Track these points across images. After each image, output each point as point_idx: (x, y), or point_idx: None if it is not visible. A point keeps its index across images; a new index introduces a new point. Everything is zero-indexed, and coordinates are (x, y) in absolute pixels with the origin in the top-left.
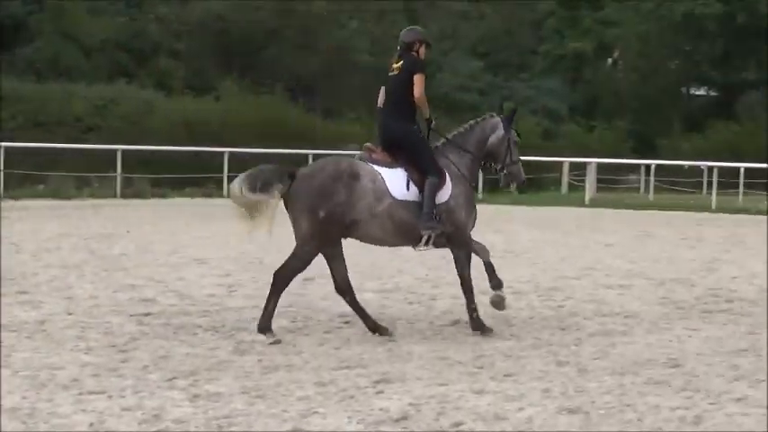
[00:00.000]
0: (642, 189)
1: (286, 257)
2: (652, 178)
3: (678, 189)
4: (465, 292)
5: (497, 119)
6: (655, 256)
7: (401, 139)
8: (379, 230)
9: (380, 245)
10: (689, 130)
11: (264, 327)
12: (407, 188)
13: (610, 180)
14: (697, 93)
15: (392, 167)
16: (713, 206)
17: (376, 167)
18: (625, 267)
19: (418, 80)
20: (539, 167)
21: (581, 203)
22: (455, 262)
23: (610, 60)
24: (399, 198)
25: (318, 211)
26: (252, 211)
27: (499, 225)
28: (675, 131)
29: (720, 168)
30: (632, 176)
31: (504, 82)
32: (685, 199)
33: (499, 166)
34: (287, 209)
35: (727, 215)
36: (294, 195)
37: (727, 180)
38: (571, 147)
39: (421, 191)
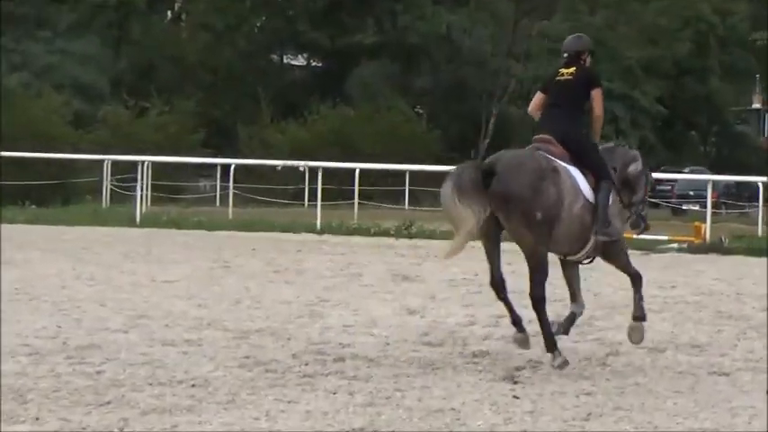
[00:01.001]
0: (218, 201)
1: None
2: (231, 185)
3: (269, 200)
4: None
5: (636, 151)
6: (235, 297)
7: (577, 143)
8: (565, 232)
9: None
10: (283, 116)
11: (551, 345)
12: (589, 190)
13: (171, 188)
14: (294, 62)
15: (572, 165)
16: (318, 225)
17: (562, 163)
18: (192, 314)
19: (599, 96)
20: (67, 169)
21: (130, 222)
22: (634, 279)
23: (170, 14)
24: (590, 200)
25: (536, 212)
26: (458, 222)
27: (9, 253)
28: (264, 117)
29: (329, 170)
30: (204, 182)
31: (16, 44)
32: (282, 214)
33: (634, 199)
34: (492, 208)
35: (336, 237)
36: (504, 197)
37: (340, 187)
38: (115, 138)
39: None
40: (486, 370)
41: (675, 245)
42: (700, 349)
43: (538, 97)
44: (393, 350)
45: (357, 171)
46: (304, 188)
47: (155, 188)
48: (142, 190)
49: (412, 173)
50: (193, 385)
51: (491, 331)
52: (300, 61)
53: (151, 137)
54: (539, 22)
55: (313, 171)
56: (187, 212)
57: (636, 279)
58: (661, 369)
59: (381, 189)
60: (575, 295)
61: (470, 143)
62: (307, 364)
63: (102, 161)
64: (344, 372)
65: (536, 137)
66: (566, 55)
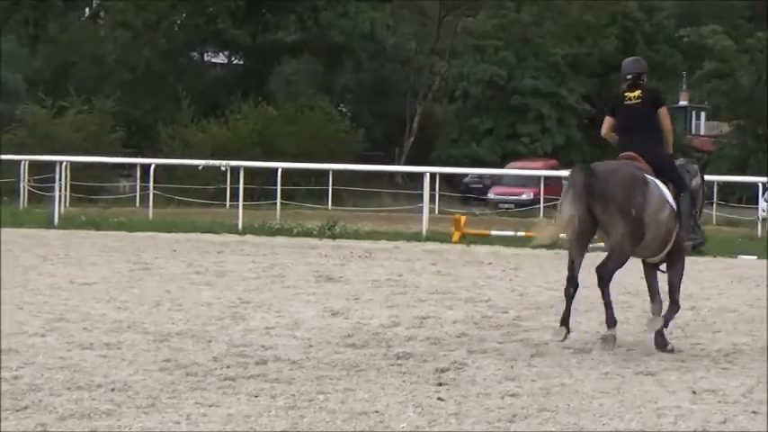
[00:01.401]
0: (138, 201)
1: None
2: (152, 185)
3: (190, 200)
4: (671, 312)
5: (696, 166)
6: (155, 299)
7: (659, 159)
8: (653, 236)
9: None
10: (204, 115)
11: (611, 321)
12: (672, 200)
13: (91, 188)
14: (215, 60)
15: (657, 178)
16: (240, 225)
17: (648, 175)
18: (112, 317)
19: (665, 113)
20: None
21: (48, 223)
22: (671, 284)
23: (88, 11)
24: (674, 208)
25: (631, 210)
26: (561, 215)
27: None
28: (185, 116)
29: (250, 169)
30: (123, 182)
31: None
32: (203, 214)
33: (694, 210)
34: (592, 203)
35: (258, 238)
36: (603, 195)
37: (262, 187)
38: (33, 138)
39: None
40: (410, 372)
41: (602, 244)
42: (626, 349)
43: (608, 121)
44: (316, 352)
45: (279, 171)
46: (225, 188)
47: (73, 189)
48: (60, 191)
49: (335, 172)
50: (113, 389)
51: (415, 332)
52: (222, 59)
53: (69, 136)
54: (463, 18)
55: (235, 171)
56: (107, 213)
57: (672, 304)
58: (587, 370)
59: (304, 189)
60: (654, 296)
61: (395, 142)
62: (228, 367)
63: (19, 162)
64: (266, 374)
65: (622, 154)
66: (629, 77)
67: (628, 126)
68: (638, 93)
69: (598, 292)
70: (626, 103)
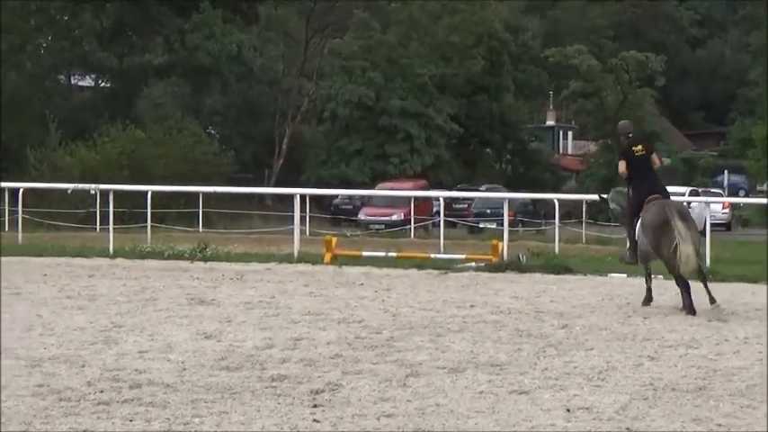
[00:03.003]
0: (7, 225)
1: None
2: (20, 209)
3: (60, 224)
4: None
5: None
6: (26, 324)
7: (667, 193)
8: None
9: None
10: (72, 138)
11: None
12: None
13: None
14: (82, 83)
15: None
16: (111, 249)
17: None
18: None
19: (657, 155)
20: None
21: None
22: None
23: None
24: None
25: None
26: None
27: None
28: (52, 140)
29: (120, 193)
30: None
31: None
32: (73, 238)
33: None
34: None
35: (130, 261)
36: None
37: (132, 210)
38: None
39: None
40: (285, 394)
41: (473, 264)
42: (500, 368)
43: (622, 164)
44: (190, 375)
45: (149, 193)
46: (95, 212)
47: None
48: None
49: (205, 195)
50: None
51: (289, 354)
52: (89, 82)
53: None
54: (331, 39)
55: (104, 194)
56: None
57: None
58: (461, 389)
59: (174, 212)
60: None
61: (264, 163)
62: (102, 392)
63: None
64: (141, 398)
65: (652, 196)
66: (630, 135)
67: (642, 173)
68: (640, 147)
69: (471, 312)
70: (636, 155)
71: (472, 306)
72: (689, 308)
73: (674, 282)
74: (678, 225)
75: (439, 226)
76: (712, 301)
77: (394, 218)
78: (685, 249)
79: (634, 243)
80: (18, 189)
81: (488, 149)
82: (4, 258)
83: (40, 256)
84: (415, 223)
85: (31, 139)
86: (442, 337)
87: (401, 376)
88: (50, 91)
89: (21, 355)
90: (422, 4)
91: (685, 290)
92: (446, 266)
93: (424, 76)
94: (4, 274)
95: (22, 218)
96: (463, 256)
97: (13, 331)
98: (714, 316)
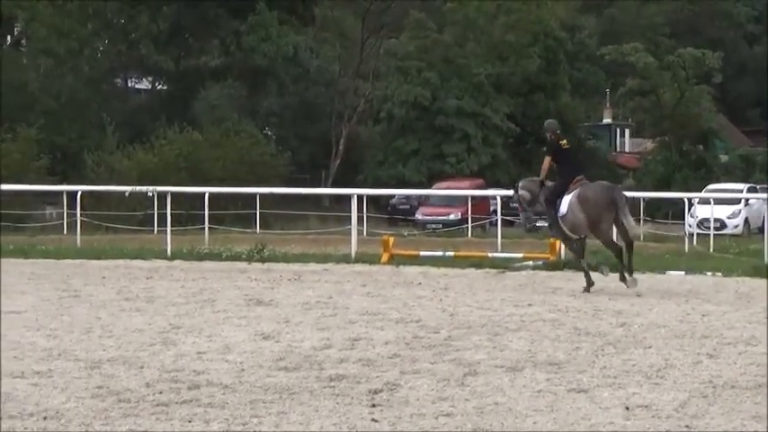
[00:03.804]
0: (66, 228)
1: None
2: (79, 212)
3: (118, 227)
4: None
5: None
6: (86, 326)
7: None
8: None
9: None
10: (130, 141)
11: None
12: None
13: (16, 216)
14: (139, 86)
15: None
16: (169, 251)
17: None
18: (42, 345)
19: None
20: None
21: None
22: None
23: (9, 39)
24: None
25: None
26: None
27: None
28: (110, 143)
29: (177, 195)
30: (50, 210)
31: None
32: (131, 241)
33: None
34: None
35: (187, 263)
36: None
37: (189, 212)
38: None
39: None
40: (343, 394)
41: (530, 262)
42: (558, 367)
43: (548, 159)
44: (248, 376)
45: (207, 195)
46: (153, 214)
47: (2, 217)
48: None
49: (262, 196)
50: (45, 417)
51: (347, 354)
52: (145, 85)
53: None
54: (386, 40)
55: (162, 196)
56: (34, 241)
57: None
58: (520, 388)
59: (232, 213)
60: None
61: (321, 164)
62: (161, 393)
63: None
64: (199, 399)
65: (578, 177)
66: (558, 132)
67: (568, 161)
68: (566, 140)
69: (529, 311)
70: (563, 147)
71: (530, 305)
72: (620, 272)
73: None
74: (620, 203)
75: (496, 225)
76: (630, 272)
77: (451, 217)
78: (628, 221)
79: (556, 218)
80: (76, 192)
81: (545, 148)
82: (63, 261)
83: (99, 258)
84: (472, 222)
85: (88, 143)
86: (499, 336)
87: (459, 375)
88: (108, 94)
89: (80, 357)
90: (478, 3)
91: (619, 256)
92: (503, 265)
93: (481, 76)
94: (63, 276)
95: (81, 221)
96: (521, 255)
97: (72, 333)
98: (631, 288)
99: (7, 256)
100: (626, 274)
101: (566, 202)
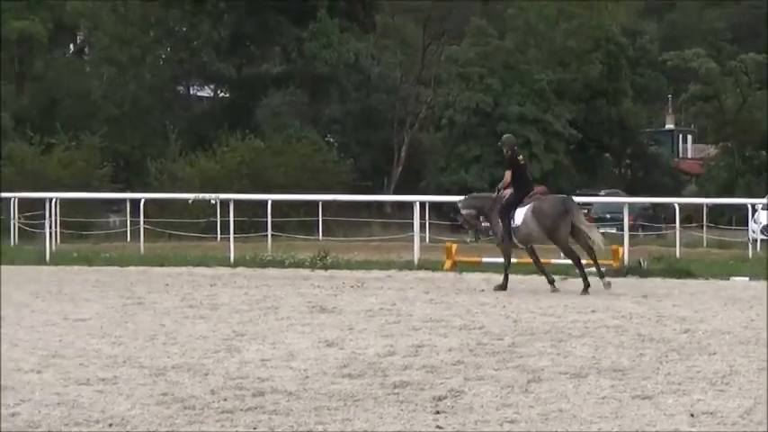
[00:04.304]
0: (129, 236)
1: None
2: (142, 219)
3: (181, 234)
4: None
5: None
6: (150, 333)
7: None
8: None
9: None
10: (192, 149)
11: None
12: None
13: (81, 224)
14: (201, 94)
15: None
16: (232, 258)
17: None
18: (107, 352)
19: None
20: None
21: (40, 260)
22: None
23: (72, 47)
24: None
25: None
26: None
27: None
28: (172, 150)
29: (240, 202)
30: (114, 218)
31: None
32: (194, 248)
33: None
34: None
35: (250, 270)
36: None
37: (252, 219)
38: (21, 176)
39: None
40: (407, 400)
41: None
42: (622, 373)
43: (509, 173)
44: (312, 383)
45: (269, 202)
46: (216, 221)
47: (64, 225)
48: (51, 227)
49: (325, 203)
50: (111, 424)
51: (411, 361)
52: (207, 92)
53: (57, 173)
54: (447, 47)
55: (224, 203)
56: (98, 249)
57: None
58: (584, 395)
59: (294, 220)
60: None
61: (383, 171)
62: (225, 400)
63: (9, 199)
64: (264, 406)
65: (537, 189)
66: (516, 148)
67: (524, 176)
68: (521, 157)
69: (592, 317)
70: (520, 163)
71: (593, 311)
72: (584, 278)
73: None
74: (579, 216)
75: None
76: (602, 276)
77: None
78: (594, 235)
79: (509, 229)
80: (140, 200)
81: (607, 154)
82: (127, 268)
83: (162, 265)
84: None
85: (151, 150)
86: (563, 343)
87: (523, 382)
88: (170, 102)
89: (145, 364)
90: (539, 9)
91: (578, 264)
92: (566, 272)
93: (542, 82)
94: (127, 283)
95: (144, 228)
96: (584, 261)
97: (136, 340)
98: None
99: (72, 264)
100: (594, 280)
101: (520, 215)
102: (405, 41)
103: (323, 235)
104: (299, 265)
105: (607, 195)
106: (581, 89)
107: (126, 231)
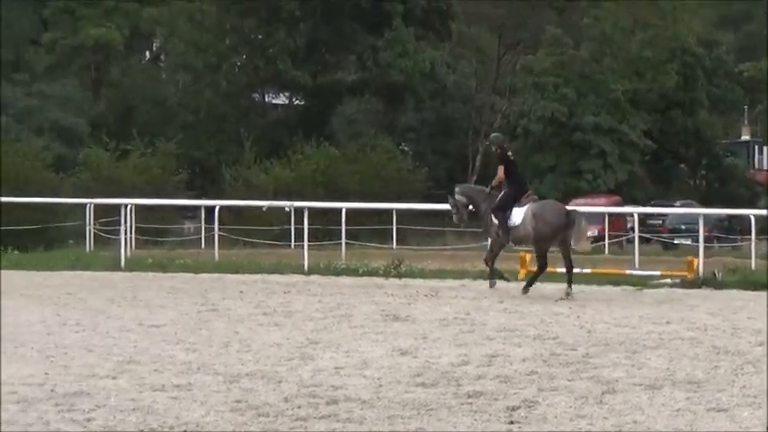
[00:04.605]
0: (204, 243)
1: None
2: (217, 226)
3: (255, 241)
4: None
5: None
6: (224, 340)
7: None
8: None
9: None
10: (267, 156)
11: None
12: None
13: (155, 230)
14: (276, 101)
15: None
16: (306, 266)
17: None
18: (181, 358)
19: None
20: (49, 213)
21: (115, 266)
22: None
23: (148, 54)
24: None
25: None
26: None
27: None
28: (247, 157)
29: (314, 210)
30: (188, 224)
31: None
32: (268, 255)
33: None
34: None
35: (324, 278)
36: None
37: (326, 227)
38: (97, 182)
39: None
40: (481, 410)
41: (668, 280)
42: (697, 385)
43: (502, 169)
44: (386, 391)
45: (344, 210)
46: (290, 229)
47: (138, 231)
48: (126, 233)
49: (399, 211)
50: (185, 431)
51: (484, 371)
52: (282, 100)
53: (133, 179)
54: (523, 56)
55: (299, 211)
56: (173, 255)
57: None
58: (658, 406)
59: (368, 228)
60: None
61: (458, 180)
62: (299, 407)
63: (85, 205)
64: (338, 414)
65: (527, 193)
66: (505, 145)
67: (516, 173)
68: (511, 153)
69: (667, 329)
70: (511, 160)
71: (668, 322)
72: (529, 283)
73: None
74: (571, 227)
75: (633, 242)
76: (569, 285)
77: (588, 234)
78: (583, 246)
79: (506, 227)
80: (214, 206)
81: (682, 165)
82: (201, 275)
83: (237, 272)
84: (609, 239)
85: (226, 157)
86: (638, 354)
87: (597, 393)
88: (245, 109)
89: (219, 371)
90: (615, 19)
91: (540, 272)
92: (641, 282)
93: (618, 92)
94: (201, 290)
95: (219, 235)
96: (658, 273)
97: (211, 347)
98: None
99: (146, 270)
100: (566, 288)
101: (519, 214)
102: (480, 50)
103: (397, 243)
104: (372, 273)
105: (682, 206)
106: (656, 99)
107: (200, 238)
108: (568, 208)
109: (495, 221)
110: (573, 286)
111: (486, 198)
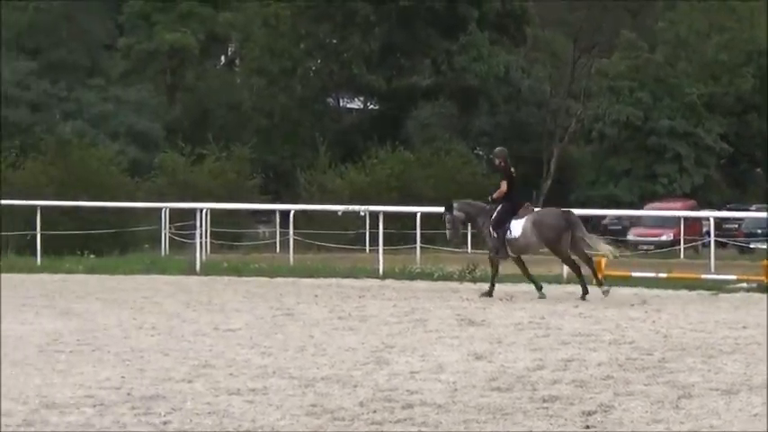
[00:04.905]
0: (278, 247)
1: None
2: (291, 231)
3: (330, 246)
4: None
5: None
6: (299, 344)
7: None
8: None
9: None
10: (341, 160)
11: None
12: None
13: (230, 235)
14: (350, 105)
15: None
16: (381, 270)
17: None
18: (257, 362)
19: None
20: (125, 217)
21: (190, 270)
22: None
23: (223, 59)
24: None
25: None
26: None
27: (69, 303)
28: (322, 162)
29: (389, 214)
30: (263, 228)
31: (68, 91)
32: (343, 259)
33: None
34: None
35: (399, 282)
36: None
37: (401, 231)
38: (172, 186)
39: None
40: (556, 415)
41: (745, 284)
42: None
43: (505, 183)
44: (461, 396)
45: (418, 215)
46: (365, 233)
47: (213, 235)
48: (201, 237)
49: None
50: None
51: (560, 375)
52: (357, 104)
53: (208, 183)
54: (598, 60)
55: (373, 215)
56: (247, 259)
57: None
58: (735, 411)
59: (443, 233)
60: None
61: (532, 184)
62: (375, 412)
63: (160, 209)
64: (413, 419)
65: (526, 204)
66: (508, 159)
67: (516, 187)
68: (512, 168)
69: (743, 333)
70: (513, 174)
71: (744, 327)
72: (583, 287)
73: None
74: (581, 229)
75: (709, 246)
76: (600, 284)
77: (663, 238)
78: (602, 247)
79: (504, 242)
80: (289, 211)
81: (759, 169)
82: (276, 279)
83: (311, 277)
84: (684, 243)
85: (300, 162)
86: (714, 359)
87: (673, 398)
88: (320, 113)
89: (294, 375)
90: (690, 23)
91: (578, 273)
92: (717, 287)
93: (693, 96)
94: (276, 294)
95: (294, 239)
96: (734, 277)
97: (286, 351)
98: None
99: (221, 274)
100: (592, 287)
101: (518, 227)
102: (555, 54)
103: (471, 248)
104: (447, 277)
105: (758, 210)
106: (732, 103)
107: (275, 242)
108: (565, 210)
109: (494, 235)
110: (589, 288)
111: (483, 213)
